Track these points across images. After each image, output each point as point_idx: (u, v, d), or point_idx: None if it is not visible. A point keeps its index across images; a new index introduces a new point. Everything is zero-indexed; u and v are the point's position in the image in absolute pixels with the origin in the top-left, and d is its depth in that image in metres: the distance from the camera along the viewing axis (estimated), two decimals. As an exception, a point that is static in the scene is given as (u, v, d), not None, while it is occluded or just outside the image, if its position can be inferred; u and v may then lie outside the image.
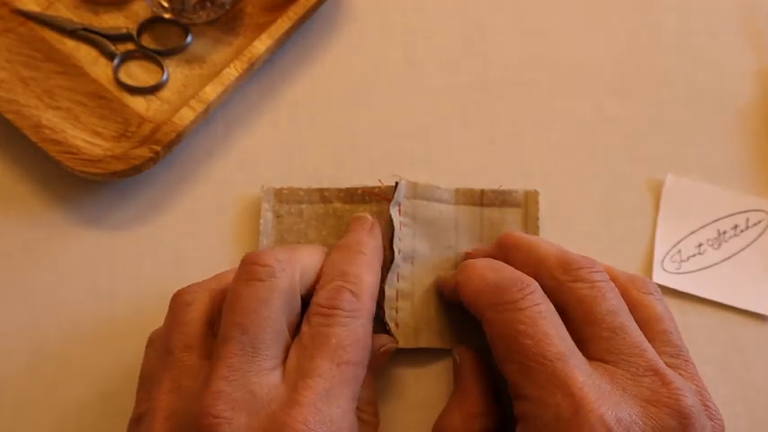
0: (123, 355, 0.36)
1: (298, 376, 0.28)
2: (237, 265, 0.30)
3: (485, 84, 0.44)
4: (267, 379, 0.28)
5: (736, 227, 0.40)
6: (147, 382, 0.31)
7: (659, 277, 0.39)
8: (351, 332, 0.29)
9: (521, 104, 0.43)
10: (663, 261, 0.39)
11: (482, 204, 0.39)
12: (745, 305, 0.38)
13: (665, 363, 0.29)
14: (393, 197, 0.37)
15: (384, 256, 0.36)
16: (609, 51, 0.46)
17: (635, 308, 0.32)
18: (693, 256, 0.40)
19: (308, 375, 0.28)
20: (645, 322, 0.31)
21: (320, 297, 0.30)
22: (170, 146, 0.39)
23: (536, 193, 0.39)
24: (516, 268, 0.32)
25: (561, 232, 0.39)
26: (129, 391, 0.33)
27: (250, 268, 0.30)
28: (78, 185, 0.39)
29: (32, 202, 0.39)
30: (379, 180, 0.39)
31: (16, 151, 0.40)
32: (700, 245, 0.40)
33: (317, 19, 0.45)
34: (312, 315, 0.30)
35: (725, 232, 0.40)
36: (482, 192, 0.39)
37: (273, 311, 0.29)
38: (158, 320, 0.32)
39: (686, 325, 0.38)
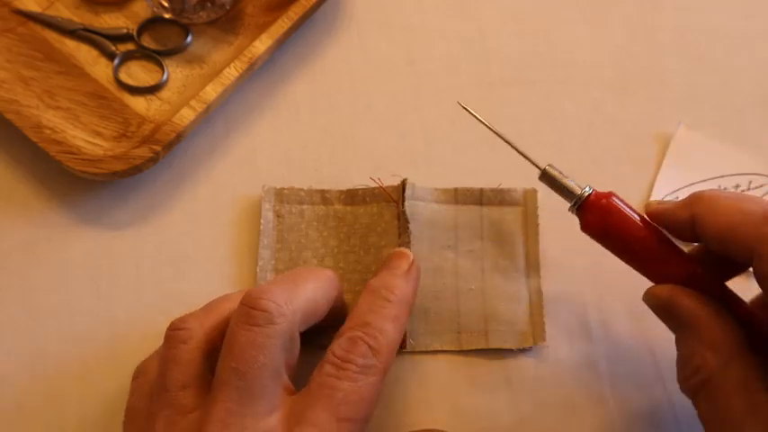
0: (123, 355, 0.36)
1: (295, 422, 0.28)
2: (235, 264, 0.30)
3: (485, 84, 0.44)
4: (263, 423, 0.27)
5: (737, 186, 0.40)
6: (139, 418, 0.30)
7: None
8: (359, 389, 0.28)
9: (521, 104, 0.43)
10: None
11: (481, 203, 0.39)
12: None
13: None
14: (402, 197, 0.37)
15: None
16: (609, 51, 0.46)
17: None
18: None
19: (305, 423, 0.27)
20: None
21: (336, 346, 0.29)
22: (170, 146, 0.39)
23: (534, 191, 0.39)
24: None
25: (561, 232, 0.39)
26: (129, 390, 0.33)
27: (249, 312, 0.28)
28: (78, 185, 0.39)
29: (32, 202, 0.39)
30: (379, 179, 0.39)
31: (16, 151, 0.40)
32: None
33: (317, 19, 0.45)
34: (325, 363, 0.29)
35: (725, 189, 0.40)
36: (481, 191, 0.39)
37: (271, 357, 0.28)
38: (158, 321, 0.32)
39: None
